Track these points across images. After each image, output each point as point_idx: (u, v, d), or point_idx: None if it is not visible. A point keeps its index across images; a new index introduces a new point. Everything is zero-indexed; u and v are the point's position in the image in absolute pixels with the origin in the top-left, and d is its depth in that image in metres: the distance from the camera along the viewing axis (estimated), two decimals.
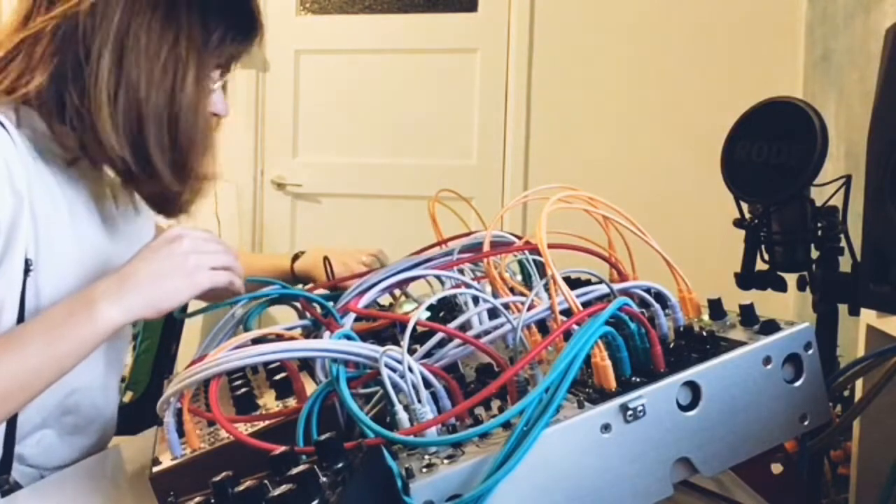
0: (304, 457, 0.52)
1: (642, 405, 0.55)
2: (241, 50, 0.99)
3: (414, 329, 0.59)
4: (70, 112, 0.88)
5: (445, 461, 0.52)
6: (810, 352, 0.61)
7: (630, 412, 0.54)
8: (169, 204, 0.97)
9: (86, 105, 0.87)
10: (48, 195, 0.90)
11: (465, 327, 0.70)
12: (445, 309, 0.86)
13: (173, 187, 0.93)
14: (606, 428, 0.54)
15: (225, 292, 0.92)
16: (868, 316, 0.88)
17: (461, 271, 0.82)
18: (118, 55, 0.87)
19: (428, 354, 0.67)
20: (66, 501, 0.83)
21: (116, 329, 0.84)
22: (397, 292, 0.92)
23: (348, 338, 0.65)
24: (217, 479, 0.50)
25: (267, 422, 0.69)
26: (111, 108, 0.87)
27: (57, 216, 0.91)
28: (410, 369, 0.56)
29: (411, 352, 0.59)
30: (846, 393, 0.88)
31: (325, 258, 1.14)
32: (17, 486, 0.91)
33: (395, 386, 0.57)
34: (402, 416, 0.56)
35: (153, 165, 0.90)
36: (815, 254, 0.86)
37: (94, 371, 0.98)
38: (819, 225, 0.85)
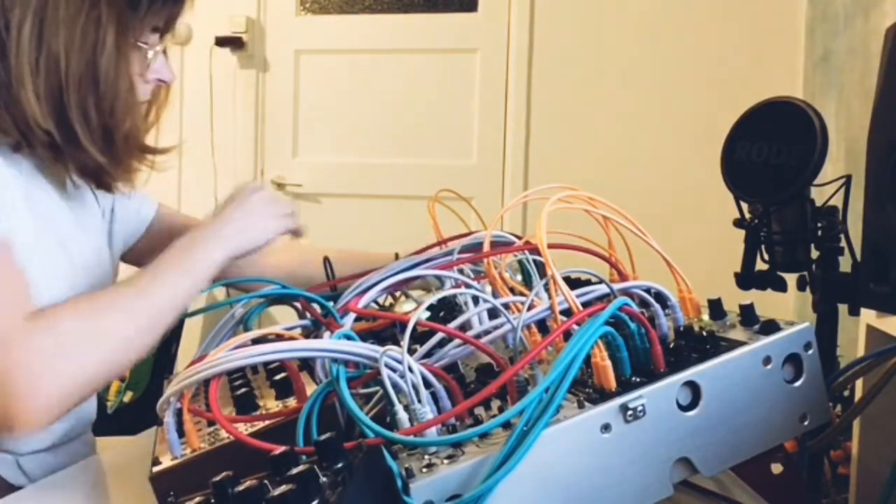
0: (304, 457, 0.52)
1: (642, 405, 0.55)
2: (175, 11, 0.97)
3: (414, 329, 0.59)
4: (1, 91, 0.87)
5: (445, 461, 0.51)
6: (810, 352, 0.61)
7: (630, 412, 0.54)
8: (102, 176, 0.96)
9: (10, 79, 0.87)
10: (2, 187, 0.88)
11: (465, 327, 0.70)
12: (445, 309, 0.86)
13: (101, 158, 0.92)
14: (606, 428, 0.54)
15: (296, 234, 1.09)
16: (868, 316, 0.88)
17: (461, 271, 0.82)
18: (38, 25, 0.87)
19: (428, 354, 0.67)
20: (67, 501, 0.82)
21: (222, 263, 0.96)
22: (397, 292, 0.92)
23: (348, 338, 0.65)
24: (217, 479, 0.50)
25: (267, 422, 0.69)
26: (33, 78, 0.87)
27: (13, 205, 0.88)
28: (410, 369, 0.56)
29: (411, 352, 0.59)
30: (846, 393, 0.88)
31: (325, 258, 1.14)
32: None
33: (395, 386, 0.57)
34: (402, 416, 0.56)
35: (77, 136, 0.90)
36: (815, 254, 0.86)
37: None
38: (819, 225, 0.85)
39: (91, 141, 0.91)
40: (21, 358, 0.78)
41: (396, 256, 1.12)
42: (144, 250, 1.16)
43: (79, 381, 0.81)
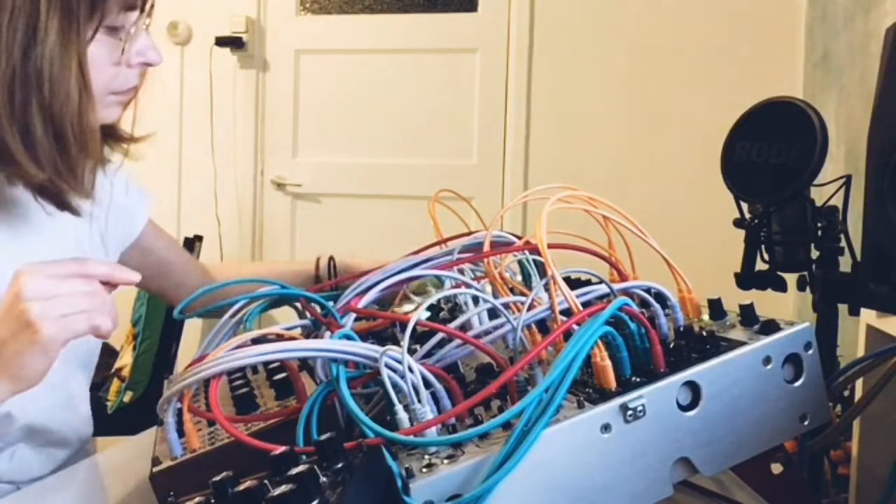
0: (304, 457, 0.52)
1: (642, 405, 0.55)
2: None
3: (414, 329, 0.59)
4: None
5: (445, 461, 0.51)
6: (810, 352, 0.61)
7: (630, 412, 0.54)
8: (55, 194, 0.83)
9: None
10: None
11: (465, 327, 0.70)
12: (446, 309, 0.86)
13: (48, 172, 0.80)
14: (606, 428, 0.54)
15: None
16: (868, 316, 0.88)
17: (461, 271, 0.82)
18: None
19: (428, 354, 0.67)
20: (67, 501, 0.82)
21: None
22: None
23: (348, 338, 0.65)
24: (217, 479, 0.50)
25: (267, 422, 0.69)
26: None
27: None
28: (410, 369, 0.56)
29: (411, 352, 0.59)
30: (846, 393, 0.88)
31: (331, 257, 1.13)
32: None
33: (395, 386, 0.57)
34: (402, 416, 0.56)
35: (9, 149, 0.78)
36: (815, 254, 0.86)
37: (44, 396, 0.85)
38: (819, 225, 0.85)
39: (32, 158, 0.79)
40: None
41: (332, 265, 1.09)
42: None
43: None
